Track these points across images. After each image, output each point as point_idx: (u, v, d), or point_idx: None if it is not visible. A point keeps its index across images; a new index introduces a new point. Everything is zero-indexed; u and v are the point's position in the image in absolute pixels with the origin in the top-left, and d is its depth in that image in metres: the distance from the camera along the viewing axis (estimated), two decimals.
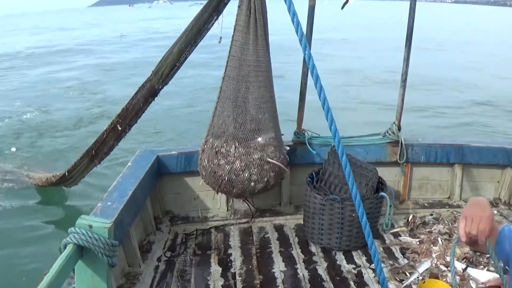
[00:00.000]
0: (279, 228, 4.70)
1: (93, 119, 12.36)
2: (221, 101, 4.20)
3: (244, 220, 4.83)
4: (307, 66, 4.74)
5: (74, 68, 22.03)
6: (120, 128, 4.83)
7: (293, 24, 1.63)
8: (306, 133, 5.01)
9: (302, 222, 4.67)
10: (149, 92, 4.54)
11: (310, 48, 1.63)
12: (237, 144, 4.14)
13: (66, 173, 6.16)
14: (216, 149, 4.21)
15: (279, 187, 4.98)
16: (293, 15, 1.60)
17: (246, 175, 4.16)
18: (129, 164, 4.51)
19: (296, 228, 4.69)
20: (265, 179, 4.21)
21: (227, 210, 4.97)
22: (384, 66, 20.69)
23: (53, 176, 6.87)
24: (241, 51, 4.02)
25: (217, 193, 4.53)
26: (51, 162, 9.11)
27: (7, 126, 11.93)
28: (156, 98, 4.65)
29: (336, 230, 4.20)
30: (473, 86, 17.90)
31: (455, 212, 5.04)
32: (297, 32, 1.61)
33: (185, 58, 4.41)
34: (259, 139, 4.17)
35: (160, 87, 4.52)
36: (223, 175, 4.18)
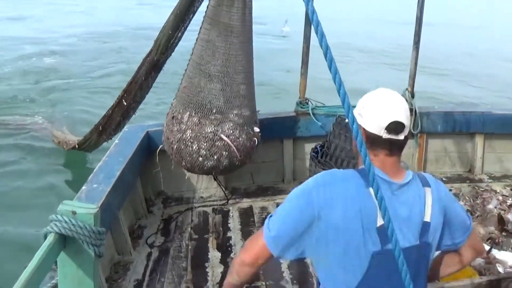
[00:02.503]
0: None
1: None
2: (190, 64, 4.22)
3: (244, 200, 4.83)
4: (310, 23, 4.70)
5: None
6: (125, 103, 4.89)
7: None
8: (310, 103, 4.99)
9: None
10: (150, 65, 4.57)
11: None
12: (193, 112, 4.14)
13: (77, 146, 6.32)
14: (174, 114, 4.25)
15: (281, 162, 4.96)
16: None
17: (195, 147, 4.14)
18: (116, 141, 4.49)
19: None
20: (215, 156, 4.16)
21: (225, 189, 4.95)
22: (398, 18, 20.48)
23: (65, 142, 7.08)
24: (213, 12, 4.00)
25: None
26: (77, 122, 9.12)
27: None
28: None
29: None
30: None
31: (476, 187, 5.04)
32: None
33: (184, 28, 4.38)
34: (217, 111, 4.14)
35: (161, 59, 4.52)
36: (173, 142, 4.21)
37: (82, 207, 2.14)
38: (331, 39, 1.64)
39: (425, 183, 2.18)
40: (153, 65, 4.54)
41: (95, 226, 2.13)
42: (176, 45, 4.48)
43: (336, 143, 4.38)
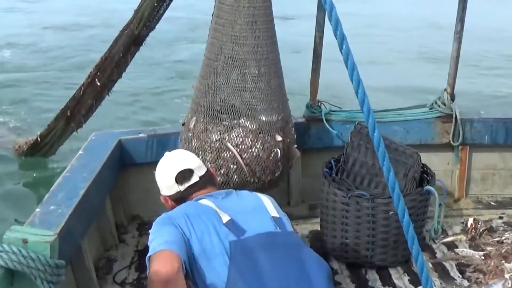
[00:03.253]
0: None
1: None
2: (203, 63, 4.28)
3: None
4: (324, 10, 4.71)
5: None
6: (99, 83, 4.97)
7: None
8: (323, 106, 5.02)
9: (319, 228, 4.67)
10: (130, 39, 4.63)
11: None
12: (200, 117, 4.21)
13: (39, 139, 6.33)
14: (185, 120, 4.35)
15: (286, 180, 4.96)
16: None
17: (200, 159, 4.12)
18: (80, 152, 4.51)
19: (311, 236, 4.70)
20: (222, 170, 4.18)
21: None
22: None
23: (25, 142, 7.03)
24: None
25: None
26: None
27: None
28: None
29: (365, 239, 4.20)
30: None
31: None
32: None
33: None
34: (227, 116, 4.18)
35: (143, 32, 4.56)
36: None
37: (36, 234, 2.16)
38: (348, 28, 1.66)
39: None
40: (133, 39, 4.58)
41: (51, 258, 2.14)
42: (162, 16, 4.51)
43: (355, 157, 4.40)
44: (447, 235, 4.65)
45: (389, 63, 13.78)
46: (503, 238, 4.56)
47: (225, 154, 4.16)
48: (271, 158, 4.26)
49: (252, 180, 4.23)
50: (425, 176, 4.45)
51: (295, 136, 4.51)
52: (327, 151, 4.83)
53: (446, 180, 5.13)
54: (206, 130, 4.17)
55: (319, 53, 4.84)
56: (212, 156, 4.16)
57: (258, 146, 4.20)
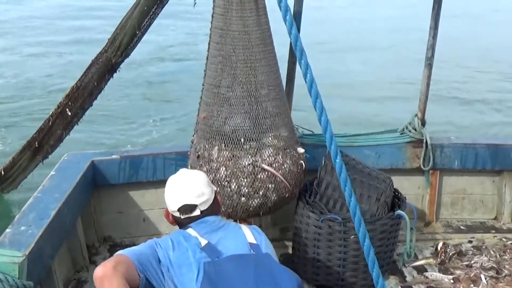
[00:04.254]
0: None
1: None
2: (205, 89, 4.26)
3: None
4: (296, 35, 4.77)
5: None
6: (70, 113, 4.85)
7: None
8: (296, 130, 5.00)
9: (290, 251, 4.70)
10: (105, 67, 4.57)
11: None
12: (222, 145, 4.17)
13: (2, 172, 6.10)
14: (198, 152, 4.27)
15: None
16: None
17: (233, 186, 4.16)
18: (52, 173, 4.47)
19: (282, 260, 4.67)
20: (260, 192, 4.18)
21: None
22: (404, 29, 20.68)
23: None
24: (223, 20, 4.06)
25: None
26: None
27: None
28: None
29: (336, 263, 4.23)
30: None
31: (504, 239, 5.04)
32: None
33: (149, 24, 4.42)
34: (250, 138, 4.18)
35: (119, 60, 4.53)
36: None
37: (4, 255, 2.15)
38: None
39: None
40: (108, 67, 4.54)
41: (19, 279, 2.14)
42: (138, 43, 4.51)
43: (328, 181, 4.42)
44: (417, 259, 4.67)
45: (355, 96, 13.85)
46: (472, 262, 4.61)
47: (261, 176, 4.15)
48: (299, 170, 4.35)
49: (287, 196, 4.31)
50: (397, 200, 4.49)
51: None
52: None
53: (417, 204, 5.18)
54: (234, 157, 4.14)
55: (292, 78, 4.85)
56: (248, 180, 4.14)
57: (288, 161, 4.26)
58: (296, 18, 4.64)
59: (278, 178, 4.18)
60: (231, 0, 3.99)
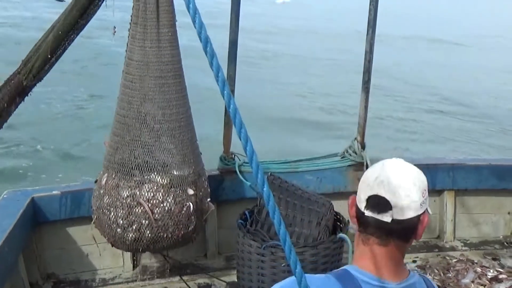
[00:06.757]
0: None
1: None
2: (115, 119, 4.26)
3: (158, 281, 4.80)
4: (233, 61, 4.77)
5: None
6: None
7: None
8: (236, 158, 5.05)
9: (236, 280, 4.67)
10: (15, 89, 4.48)
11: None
12: (113, 174, 4.17)
13: None
14: (97, 177, 4.29)
15: (202, 233, 4.95)
16: None
17: (112, 216, 4.13)
18: None
19: None
20: (133, 226, 4.11)
21: (134, 268, 4.92)
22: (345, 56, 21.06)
23: None
24: (130, 50, 4.09)
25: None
26: None
27: None
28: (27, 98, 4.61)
29: None
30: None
31: (448, 257, 5.11)
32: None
33: (64, 49, 4.38)
34: (139, 171, 4.17)
35: (31, 83, 4.47)
36: (94, 212, 4.26)
37: None
38: None
39: None
40: (19, 90, 4.48)
41: None
42: (51, 67, 4.46)
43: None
44: None
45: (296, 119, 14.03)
46: None
47: (137, 210, 4.08)
48: (183, 212, 4.19)
49: (165, 235, 4.16)
50: (339, 223, 4.52)
51: (208, 189, 4.47)
52: (242, 203, 4.85)
53: None
54: (118, 186, 4.11)
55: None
56: (124, 212, 4.08)
57: (169, 200, 4.14)
58: (232, 46, 4.71)
59: (150, 215, 4.12)
60: (136, 28, 4.04)
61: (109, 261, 4.90)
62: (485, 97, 17.73)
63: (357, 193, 2.20)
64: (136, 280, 4.81)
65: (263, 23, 27.82)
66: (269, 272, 4.20)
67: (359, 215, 2.15)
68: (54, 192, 4.73)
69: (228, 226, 4.99)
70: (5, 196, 4.67)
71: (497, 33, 33.64)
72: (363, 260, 2.14)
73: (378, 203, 2.08)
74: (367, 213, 2.10)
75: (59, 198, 4.69)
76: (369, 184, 2.14)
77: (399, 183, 2.10)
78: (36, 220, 4.62)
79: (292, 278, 1.98)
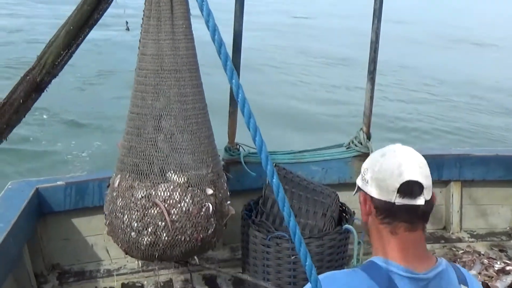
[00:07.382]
0: (210, 281, 4.71)
1: None
2: (128, 118, 4.11)
3: (162, 272, 4.79)
4: (238, 56, 4.76)
5: None
6: None
7: None
8: (241, 149, 5.03)
9: (241, 271, 4.67)
10: (30, 86, 4.48)
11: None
12: (126, 175, 3.99)
13: None
14: (110, 181, 4.13)
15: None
16: None
17: (125, 219, 3.94)
18: None
19: (233, 280, 4.68)
20: (149, 229, 3.90)
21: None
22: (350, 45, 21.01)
23: None
24: (143, 44, 3.98)
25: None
26: None
27: None
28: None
29: (287, 280, 4.22)
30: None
31: (454, 249, 5.10)
32: None
33: (77, 45, 4.37)
34: (153, 171, 3.97)
35: (45, 79, 4.47)
36: (107, 216, 4.08)
37: None
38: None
39: (462, 280, 2.20)
40: (34, 86, 4.49)
41: None
42: (65, 63, 4.46)
43: (274, 198, 4.42)
44: None
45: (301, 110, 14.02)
46: None
47: (153, 211, 3.88)
48: (202, 213, 3.97)
49: (183, 238, 3.93)
50: (344, 215, 4.51)
51: (228, 192, 4.28)
52: (246, 194, 4.83)
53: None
54: (132, 187, 3.92)
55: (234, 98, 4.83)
56: (139, 214, 3.88)
57: (187, 200, 3.92)
58: (237, 37, 4.69)
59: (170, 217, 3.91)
60: (148, 22, 3.93)
61: (114, 252, 4.88)
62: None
63: (374, 189, 2.16)
64: (140, 271, 4.80)
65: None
66: (274, 263, 4.21)
67: (387, 207, 2.11)
68: (59, 182, 4.72)
69: (233, 217, 4.97)
70: (9, 187, 4.66)
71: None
72: (389, 250, 2.14)
73: (412, 188, 2.07)
74: (399, 201, 2.07)
75: (64, 189, 4.68)
76: (393, 173, 2.10)
77: (419, 164, 2.13)
78: (40, 211, 4.62)
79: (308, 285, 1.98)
